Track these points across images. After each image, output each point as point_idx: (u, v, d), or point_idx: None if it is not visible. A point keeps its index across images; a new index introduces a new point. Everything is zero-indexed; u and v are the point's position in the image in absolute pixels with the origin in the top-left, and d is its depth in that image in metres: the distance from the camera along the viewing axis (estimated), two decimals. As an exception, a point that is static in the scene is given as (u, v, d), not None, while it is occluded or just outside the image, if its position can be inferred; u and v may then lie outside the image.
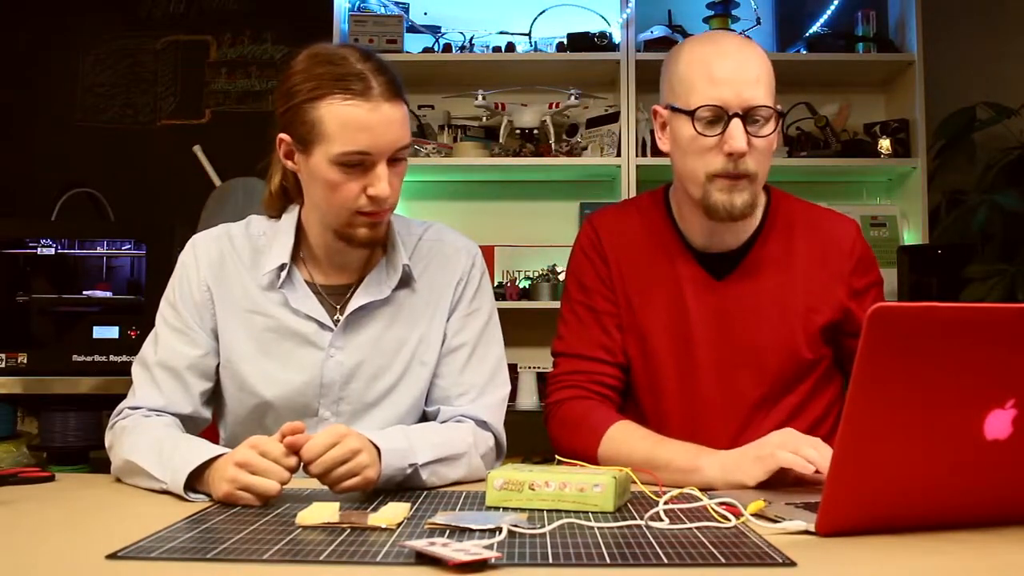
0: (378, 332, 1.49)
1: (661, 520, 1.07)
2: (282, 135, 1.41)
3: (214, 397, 1.53)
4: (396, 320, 1.50)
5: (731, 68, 1.44)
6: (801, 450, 1.24)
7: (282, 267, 1.46)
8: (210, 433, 1.48)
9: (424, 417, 1.53)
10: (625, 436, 1.46)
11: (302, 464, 1.21)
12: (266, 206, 1.53)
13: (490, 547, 0.92)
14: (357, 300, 1.48)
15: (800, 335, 1.53)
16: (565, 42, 3.18)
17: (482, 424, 1.48)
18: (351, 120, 1.33)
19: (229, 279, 1.49)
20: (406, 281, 1.51)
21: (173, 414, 1.45)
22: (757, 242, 1.57)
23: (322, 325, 1.47)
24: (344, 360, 1.47)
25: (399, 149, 1.38)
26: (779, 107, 1.48)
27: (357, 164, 1.35)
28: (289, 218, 1.50)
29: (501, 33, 3.25)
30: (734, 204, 1.46)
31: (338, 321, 1.47)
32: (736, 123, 1.42)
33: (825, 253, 1.57)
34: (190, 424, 1.47)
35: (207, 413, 1.50)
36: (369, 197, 1.37)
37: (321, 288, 1.50)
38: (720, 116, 1.43)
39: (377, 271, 1.50)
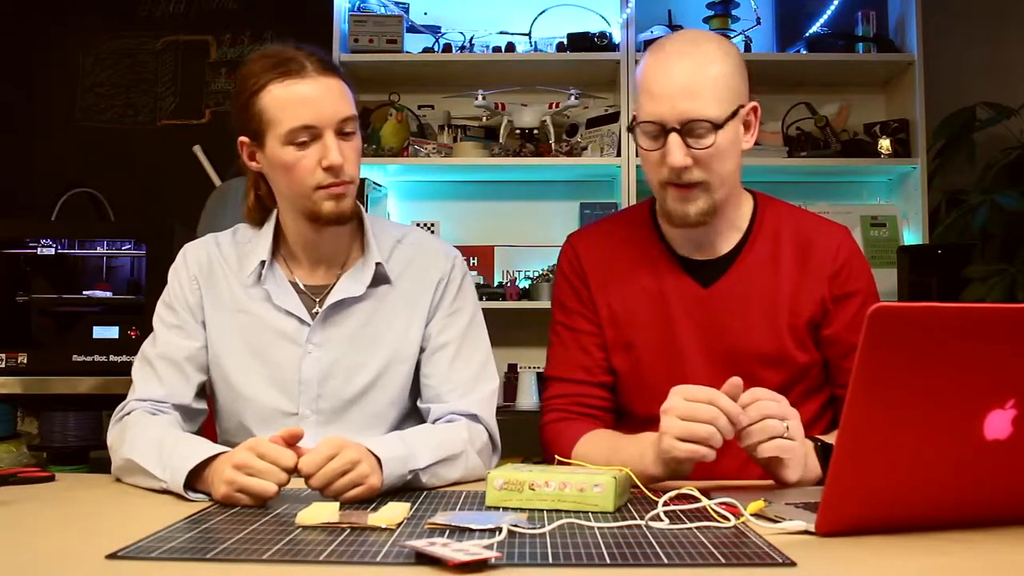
0: (355, 329, 1.52)
1: (661, 520, 1.07)
2: (240, 138, 1.48)
3: (208, 391, 1.56)
4: (374, 318, 1.53)
5: (668, 82, 1.41)
6: (696, 433, 1.21)
7: (263, 264, 1.51)
8: (210, 434, 1.49)
9: (412, 414, 1.56)
10: (589, 448, 1.47)
11: (303, 479, 1.21)
12: (247, 219, 1.59)
13: (490, 547, 0.92)
14: (334, 296, 1.51)
15: (789, 340, 1.52)
16: (565, 42, 3.18)
17: (473, 418, 1.50)
18: (291, 97, 1.40)
19: (217, 280, 1.55)
20: (383, 279, 1.54)
21: (174, 404, 1.48)
22: (744, 249, 1.56)
23: (301, 321, 1.51)
24: (321, 356, 1.50)
25: (343, 120, 1.43)
26: (740, 107, 1.43)
27: (307, 140, 1.41)
28: (270, 223, 1.56)
29: (501, 33, 3.25)
30: (688, 212, 1.46)
31: (316, 315, 1.50)
32: (673, 138, 1.40)
33: (808, 259, 1.54)
34: (190, 416, 1.50)
35: (205, 405, 1.54)
36: (325, 169, 1.42)
37: (304, 287, 1.54)
38: (660, 131, 1.42)
39: (355, 269, 1.54)
